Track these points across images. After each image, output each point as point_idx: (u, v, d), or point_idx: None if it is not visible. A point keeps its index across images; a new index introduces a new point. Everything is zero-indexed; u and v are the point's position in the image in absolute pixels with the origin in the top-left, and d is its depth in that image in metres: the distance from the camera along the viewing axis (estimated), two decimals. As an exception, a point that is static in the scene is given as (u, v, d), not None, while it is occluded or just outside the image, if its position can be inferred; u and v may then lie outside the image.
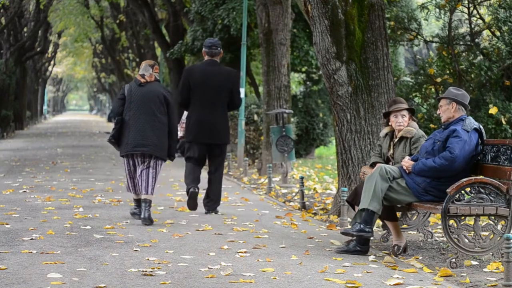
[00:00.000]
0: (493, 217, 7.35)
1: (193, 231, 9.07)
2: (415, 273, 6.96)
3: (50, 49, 59.04)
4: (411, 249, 8.36)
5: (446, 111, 7.87)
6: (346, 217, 9.93)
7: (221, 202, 11.04)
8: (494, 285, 6.54)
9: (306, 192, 13.46)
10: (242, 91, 18.15)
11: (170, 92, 10.29)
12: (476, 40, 12.62)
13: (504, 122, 11.62)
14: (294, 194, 13.80)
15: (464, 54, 12.55)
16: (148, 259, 7.21)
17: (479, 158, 7.79)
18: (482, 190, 7.32)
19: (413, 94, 12.84)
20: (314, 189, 14.66)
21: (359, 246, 7.84)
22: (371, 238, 7.92)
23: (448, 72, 12.45)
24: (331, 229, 9.60)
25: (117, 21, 42.68)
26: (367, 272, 6.90)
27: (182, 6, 28.39)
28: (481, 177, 7.51)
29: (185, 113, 11.07)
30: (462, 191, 7.34)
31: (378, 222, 8.89)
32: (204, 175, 11.03)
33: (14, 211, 10.51)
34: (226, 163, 18.76)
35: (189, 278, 6.45)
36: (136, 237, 8.59)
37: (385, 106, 10.13)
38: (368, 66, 10.30)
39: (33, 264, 6.87)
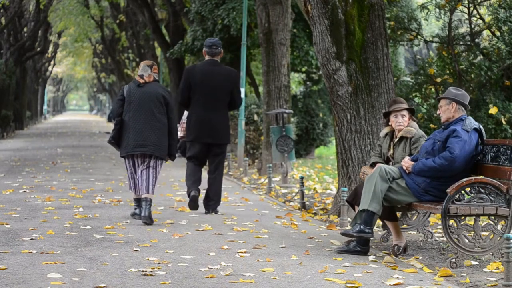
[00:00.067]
0: (493, 217, 7.35)
1: (193, 231, 9.07)
2: (415, 273, 6.96)
3: (50, 49, 59.05)
4: (411, 249, 8.36)
5: (446, 111, 7.87)
6: (346, 217, 9.93)
7: (221, 202, 11.04)
8: (494, 285, 6.54)
9: (306, 192, 13.46)
10: (242, 91, 18.14)
11: (170, 92, 10.31)
12: (476, 40, 12.62)
13: (504, 122, 11.62)
14: (294, 194, 13.80)
15: (464, 54, 12.55)
16: (148, 259, 7.20)
17: (479, 158, 7.79)
18: (482, 190, 7.32)
19: (413, 94, 12.84)
20: (314, 189, 14.66)
21: (359, 246, 7.84)
22: (371, 238, 7.91)
23: (448, 72, 12.45)
24: (331, 229, 9.60)
25: (117, 21, 42.68)
26: (367, 272, 6.90)
27: (182, 6, 28.39)
28: (481, 177, 7.51)
29: (186, 113, 11.08)
30: (462, 191, 7.34)
31: (378, 222, 8.89)
32: (204, 175, 11.04)
33: (14, 211, 10.51)
34: (226, 163, 18.76)
35: (189, 278, 6.45)
36: (136, 237, 8.59)
37: (385, 106, 10.13)
38: (368, 66, 10.30)
39: (33, 264, 6.87)
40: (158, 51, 38.77)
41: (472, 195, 7.32)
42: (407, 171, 7.88)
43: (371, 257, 7.65)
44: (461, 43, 12.63)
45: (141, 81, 9.99)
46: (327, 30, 10.22)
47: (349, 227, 8.46)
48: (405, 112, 8.44)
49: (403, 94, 12.54)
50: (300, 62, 23.65)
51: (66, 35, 52.61)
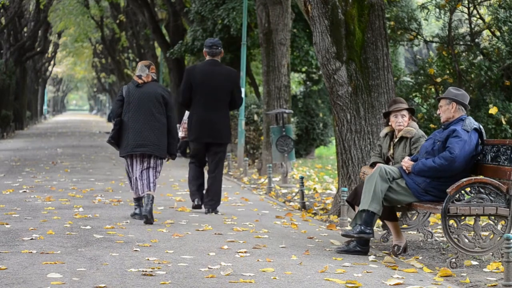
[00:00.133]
0: (493, 217, 7.35)
1: (193, 231, 9.07)
2: (415, 273, 6.96)
3: (50, 49, 59.05)
4: (411, 249, 8.36)
5: (446, 111, 7.86)
6: (346, 217, 9.93)
7: (221, 202, 11.04)
8: (494, 285, 6.54)
9: (306, 192, 13.46)
10: (242, 91, 18.14)
11: (169, 92, 10.34)
12: (476, 40, 12.62)
13: (504, 122, 11.62)
14: (294, 194, 13.80)
15: (464, 54, 12.55)
16: (148, 259, 7.20)
17: (479, 158, 7.78)
18: (482, 190, 7.32)
19: (413, 94, 12.84)
20: (314, 189, 14.66)
21: (359, 246, 7.84)
22: (371, 238, 7.91)
23: (448, 72, 12.45)
24: (331, 229, 9.60)
25: (117, 21, 42.68)
26: (367, 272, 6.90)
27: (182, 6, 28.38)
28: (481, 177, 7.50)
29: (187, 113, 11.11)
30: (462, 191, 7.34)
31: (378, 222, 8.89)
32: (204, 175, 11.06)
33: (14, 211, 10.51)
34: (226, 163, 18.76)
35: (189, 278, 6.45)
36: (136, 237, 8.59)
37: (385, 106, 10.13)
38: (368, 66, 10.30)
39: (33, 264, 6.87)
40: (158, 51, 38.76)
41: (472, 195, 7.32)
42: (407, 171, 7.88)
43: (371, 257, 7.65)
44: (461, 43, 12.62)
45: (140, 81, 10.02)
46: (327, 30, 10.22)
47: (349, 227, 8.46)
48: (405, 112, 8.44)
49: (403, 94, 12.54)
50: (300, 62, 23.64)
51: (66, 35, 52.61)
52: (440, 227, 9.16)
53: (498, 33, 12.20)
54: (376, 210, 7.75)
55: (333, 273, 6.78)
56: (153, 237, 8.53)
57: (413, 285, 6.37)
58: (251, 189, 14.71)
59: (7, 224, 9.29)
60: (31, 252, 7.44)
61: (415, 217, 8.79)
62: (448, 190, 7.30)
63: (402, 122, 8.41)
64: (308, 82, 26.93)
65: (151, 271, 6.63)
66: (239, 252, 7.68)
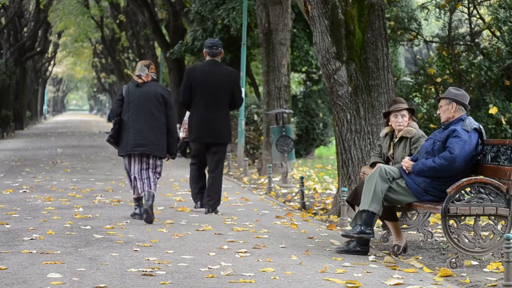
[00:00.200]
0: (493, 217, 7.35)
1: (193, 231, 9.07)
2: (415, 273, 6.96)
3: (50, 49, 59.06)
4: (411, 249, 8.36)
5: (446, 111, 7.86)
6: (346, 217, 9.93)
7: (221, 202, 11.05)
8: (494, 285, 6.54)
9: (306, 192, 13.46)
10: (242, 91, 18.14)
11: (169, 91, 10.36)
12: (476, 40, 12.62)
13: (504, 122, 11.62)
14: (294, 194, 13.80)
15: (464, 54, 12.55)
16: (148, 259, 7.21)
17: (479, 158, 7.78)
18: (482, 190, 7.32)
19: (413, 94, 12.84)
20: (314, 189, 14.66)
21: (359, 246, 7.84)
22: (371, 238, 7.91)
23: (448, 72, 12.45)
24: (331, 229, 9.60)
25: (117, 21, 42.69)
26: (367, 272, 6.90)
27: (182, 6, 28.39)
28: (481, 177, 7.50)
29: (188, 113, 11.12)
30: (462, 191, 7.34)
31: (378, 222, 8.89)
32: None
33: (14, 211, 10.51)
34: (226, 163, 18.76)
35: (189, 278, 6.45)
36: (136, 237, 8.59)
37: (385, 106, 10.13)
38: (368, 66, 10.30)
39: (33, 264, 6.87)
40: (158, 51, 38.76)
41: (472, 195, 7.32)
42: (407, 171, 7.88)
43: (371, 257, 7.65)
44: (461, 43, 12.62)
45: (140, 81, 10.05)
46: (327, 30, 10.22)
47: (349, 227, 8.46)
48: (405, 112, 8.44)
49: (403, 94, 12.54)
50: (300, 62, 23.64)
51: (66, 35, 52.61)
52: (440, 227, 9.16)
53: (498, 33, 12.20)
54: (376, 210, 7.75)
55: (333, 273, 6.78)
56: (153, 237, 8.53)
57: (413, 285, 6.37)
58: (251, 189, 14.71)
59: (7, 224, 9.29)
60: (31, 252, 7.44)
61: (415, 217, 8.79)
62: (448, 190, 7.30)
63: (402, 122, 8.41)
64: (308, 82, 26.93)
65: (151, 271, 6.63)
66: (239, 252, 7.68)
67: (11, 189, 13.51)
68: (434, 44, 13.26)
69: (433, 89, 12.58)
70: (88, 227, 9.23)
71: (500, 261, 7.18)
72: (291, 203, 12.49)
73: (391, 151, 8.49)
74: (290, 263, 7.18)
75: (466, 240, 7.28)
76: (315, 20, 10.28)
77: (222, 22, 22.50)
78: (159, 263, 7.06)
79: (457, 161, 7.57)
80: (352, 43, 10.23)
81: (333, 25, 10.21)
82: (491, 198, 7.31)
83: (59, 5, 41.64)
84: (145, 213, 9.74)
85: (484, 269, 7.22)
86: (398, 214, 8.43)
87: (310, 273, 6.77)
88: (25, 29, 43.64)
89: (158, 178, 10.15)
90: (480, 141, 7.74)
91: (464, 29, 12.97)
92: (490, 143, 7.72)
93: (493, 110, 11.53)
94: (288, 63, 17.42)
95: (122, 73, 49.35)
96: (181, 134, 11.28)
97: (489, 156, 7.65)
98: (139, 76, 10.07)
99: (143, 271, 6.65)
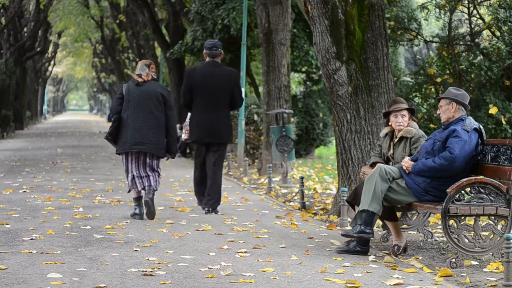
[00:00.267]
0: (493, 217, 7.35)
1: (193, 231, 9.07)
2: (415, 273, 6.96)
3: (50, 49, 59.07)
4: (411, 249, 8.36)
5: (446, 111, 7.86)
6: (346, 217, 9.93)
7: (221, 202, 11.05)
8: (494, 285, 6.54)
9: (306, 192, 13.46)
10: (242, 91, 18.15)
11: (169, 91, 10.40)
12: (476, 40, 12.62)
13: (504, 122, 11.62)
14: (294, 194, 13.80)
15: (464, 54, 12.55)
16: (148, 259, 7.20)
17: (479, 158, 7.78)
18: (482, 190, 7.32)
19: (413, 94, 12.84)
20: (314, 189, 14.66)
21: (359, 246, 7.84)
22: (371, 238, 7.91)
23: (448, 72, 12.45)
24: (331, 229, 9.60)
25: (117, 21, 42.69)
26: (367, 272, 6.90)
27: (182, 6, 28.39)
28: (481, 177, 7.50)
29: (189, 114, 11.17)
30: (462, 191, 7.34)
31: (378, 222, 8.89)
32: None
33: (14, 211, 10.51)
34: (226, 163, 18.76)
35: (189, 278, 6.45)
36: (136, 237, 8.59)
37: (385, 106, 10.13)
38: (368, 66, 10.30)
39: (33, 264, 6.87)
40: (158, 51, 38.77)
41: (472, 195, 7.32)
42: (407, 171, 7.88)
43: (371, 257, 7.65)
44: (461, 43, 12.62)
45: (140, 80, 10.09)
46: (327, 30, 10.22)
47: (349, 227, 8.46)
48: (405, 112, 8.44)
49: (403, 94, 12.54)
50: (300, 62, 23.64)
51: (66, 35, 52.62)
52: (440, 227, 9.16)
53: (498, 33, 12.20)
54: (376, 210, 7.75)
55: (333, 273, 6.78)
56: (153, 237, 8.53)
57: (413, 285, 6.37)
58: (251, 189, 14.71)
59: (7, 224, 9.29)
60: (31, 252, 7.44)
61: (415, 217, 8.79)
62: (448, 190, 7.30)
63: (402, 122, 8.40)
64: (308, 82, 26.93)
65: (151, 271, 6.63)
66: (239, 252, 7.67)
67: (11, 189, 13.51)
68: (434, 44, 13.26)
69: (433, 89, 12.58)
70: (88, 227, 9.23)
71: (500, 261, 7.18)
72: (291, 203, 12.49)
73: (391, 151, 8.49)
74: (290, 263, 7.18)
75: (466, 240, 7.28)
76: (315, 20, 10.28)
77: (222, 22, 22.50)
78: (159, 263, 7.06)
79: (457, 161, 7.56)
80: (352, 43, 10.23)
81: (333, 25, 10.21)
82: (491, 198, 7.31)
83: (59, 5, 41.64)
84: (146, 205, 9.77)
85: (484, 269, 7.22)
86: (398, 214, 8.43)
87: (310, 273, 6.77)
88: (25, 29, 43.64)
89: (159, 177, 10.18)
90: (480, 141, 7.74)
91: (464, 29, 12.97)
92: (490, 143, 7.72)
93: (493, 110, 11.53)
94: (288, 63, 17.42)
95: (122, 73, 49.36)
96: (184, 136, 11.32)
97: (489, 156, 7.65)
98: (140, 75, 10.11)
99: (143, 271, 6.65)
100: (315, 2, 10.25)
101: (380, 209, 7.78)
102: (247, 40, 20.69)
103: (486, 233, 7.36)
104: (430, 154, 7.78)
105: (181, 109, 24.68)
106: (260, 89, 27.23)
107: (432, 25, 30.91)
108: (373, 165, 8.48)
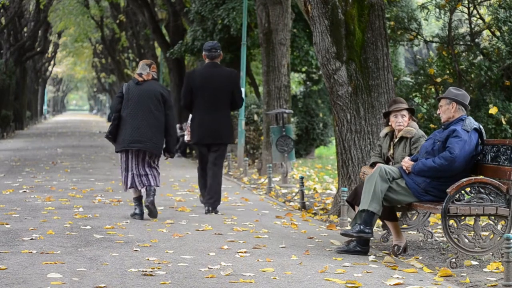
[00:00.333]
0: (493, 217, 7.35)
1: (193, 231, 9.07)
2: (415, 273, 6.96)
3: (50, 49, 59.07)
4: (411, 249, 8.36)
5: (446, 111, 7.86)
6: (346, 217, 9.93)
7: (221, 202, 11.05)
8: (494, 285, 6.54)
9: (306, 192, 13.46)
10: (242, 91, 18.15)
11: (169, 91, 10.43)
12: (476, 40, 12.62)
13: (504, 122, 11.62)
14: (294, 194, 13.80)
15: (464, 54, 12.55)
16: (148, 259, 7.20)
17: (479, 158, 7.78)
18: (482, 190, 7.32)
19: (413, 94, 12.84)
20: (314, 189, 14.66)
21: (359, 246, 7.84)
22: (371, 238, 7.91)
23: (448, 72, 12.45)
24: (331, 229, 9.60)
25: (117, 21, 42.69)
26: (367, 272, 6.90)
27: (182, 6, 28.39)
28: (481, 177, 7.50)
29: (191, 116, 11.20)
30: (462, 191, 7.34)
31: (378, 222, 8.89)
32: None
33: (14, 211, 10.51)
34: (226, 163, 18.76)
35: (189, 278, 6.45)
36: (136, 237, 8.59)
37: (385, 106, 10.13)
38: (368, 66, 10.30)
39: (33, 264, 6.87)
40: (158, 51, 38.77)
41: (472, 195, 7.32)
42: (407, 171, 7.88)
43: (371, 257, 7.65)
44: (461, 43, 12.62)
45: (140, 79, 10.14)
46: (327, 30, 10.22)
47: (349, 227, 8.46)
48: (405, 112, 8.44)
49: (403, 94, 12.54)
50: (300, 62, 23.65)
51: (66, 35, 52.62)
52: (440, 227, 9.16)
53: (498, 33, 12.20)
54: (375, 210, 7.75)
55: (333, 273, 6.78)
56: (153, 237, 8.53)
57: (413, 285, 6.37)
58: (251, 189, 14.71)
59: (7, 224, 9.29)
60: (31, 252, 7.44)
61: (415, 217, 8.79)
62: (448, 190, 7.30)
63: (402, 122, 8.40)
64: (308, 82, 26.93)
65: (151, 271, 6.63)
66: (239, 252, 7.67)
67: (11, 189, 13.51)
68: (434, 44, 13.26)
69: (433, 89, 12.58)
70: (88, 227, 9.23)
71: (500, 261, 7.18)
72: (291, 203, 12.49)
73: (391, 151, 8.49)
74: (290, 263, 7.18)
75: (466, 240, 7.28)
76: (315, 20, 10.28)
77: (222, 22, 22.49)
78: (159, 263, 7.06)
79: (457, 161, 7.56)
80: (352, 43, 10.23)
81: (333, 25, 10.21)
82: (491, 198, 7.31)
83: (59, 5, 41.65)
84: (147, 208, 9.86)
85: (484, 269, 7.22)
86: (398, 214, 8.43)
87: (310, 273, 6.77)
88: (25, 29, 43.64)
89: (158, 175, 10.20)
90: (480, 141, 7.74)
91: (464, 29, 12.97)
92: (490, 143, 7.72)
93: (493, 110, 11.53)
94: (288, 63, 17.42)
95: (122, 73, 49.36)
96: (186, 137, 11.36)
97: (489, 156, 7.65)
98: (140, 75, 10.16)
99: (143, 271, 6.65)
100: (315, 2, 10.25)
101: (380, 209, 7.78)
102: (247, 40, 20.70)
103: (486, 233, 7.36)
104: (430, 154, 7.78)
105: (181, 109, 24.70)
106: (260, 89, 27.23)
107: (432, 25, 30.91)
108: (373, 165, 8.49)
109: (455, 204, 7.27)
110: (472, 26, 12.54)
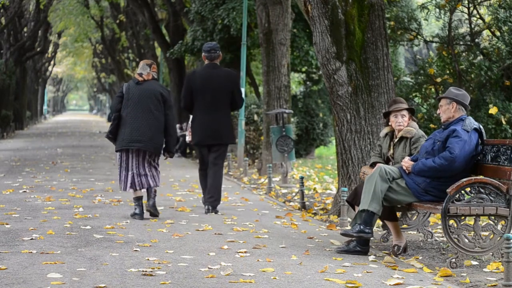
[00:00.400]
0: (493, 217, 7.35)
1: (193, 231, 9.07)
2: (415, 273, 6.96)
3: (50, 49, 59.07)
4: (411, 249, 8.36)
5: (446, 111, 7.86)
6: (346, 217, 9.93)
7: (221, 202, 11.05)
8: (494, 285, 6.54)
9: (306, 192, 13.46)
10: (242, 91, 18.15)
11: (169, 91, 10.46)
12: (476, 40, 12.62)
13: (504, 122, 11.62)
14: (294, 194, 13.80)
15: (464, 54, 12.55)
16: (148, 259, 7.21)
17: (479, 158, 7.78)
18: (482, 190, 7.32)
19: (413, 94, 12.84)
20: (314, 189, 14.66)
21: (359, 246, 7.84)
22: (371, 238, 7.91)
23: (448, 72, 12.45)
24: (331, 229, 9.60)
25: (117, 21, 42.69)
26: (367, 272, 6.90)
27: (182, 6, 28.39)
28: (481, 177, 7.50)
29: (191, 117, 11.22)
30: (462, 191, 7.34)
31: (378, 222, 8.89)
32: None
33: (14, 211, 10.51)
34: (226, 163, 18.76)
35: (189, 278, 6.45)
36: (136, 237, 8.59)
37: (385, 106, 10.13)
38: (368, 66, 10.30)
39: (33, 264, 6.87)
40: (158, 51, 38.77)
41: (472, 195, 7.32)
42: (407, 171, 7.88)
43: (371, 257, 7.65)
44: (461, 43, 12.62)
45: (140, 79, 10.17)
46: (327, 30, 10.22)
47: (349, 227, 8.46)
48: (405, 112, 8.44)
49: (403, 94, 12.54)
50: (300, 62, 23.64)
51: (66, 35, 52.63)
52: (440, 227, 9.16)
53: (498, 33, 12.20)
54: (375, 210, 7.75)
55: (333, 273, 6.78)
56: (153, 237, 8.53)
57: (413, 285, 6.37)
58: (251, 189, 14.71)
59: (7, 224, 9.29)
60: (31, 252, 7.44)
61: (415, 217, 8.79)
62: (448, 190, 7.30)
63: (402, 122, 8.40)
64: (308, 82, 26.92)
65: (151, 271, 6.63)
66: (239, 252, 7.67)
67: (11, 189, 13.51)
68: (434, 44, 13.26)
69: (433, 89, 12.58)
70: (88, 227, 9.23)
71: (500, 261, 7.18)
72: (291, 203, 12.49)
73: (391, 151, 8.49)
74: (290, 263, 7.18)
75: (466, 240, 7.28)
76: (315, 20, 10.28)
77: (222, 22, 22.49)
78: (159, 263, 7.06)
79: (457, 161, 7.56)
80: (352, 43, 10.23)
81: (333, 25, 10.21)
82: (491, 198, 7.31)
83: (59, 5, 41.65)
84: (149, 212, 9.91)
85: (484, 269, 7.22)
86: (398, 214, 8.43)
87: (310, 273, 6.77)
88: (25, 29, 43.64)
89: (158, 174, 10.22)
90: (480, 141, 7.73)
91: (464, 29, 12.97)
92: (490, 143, 7.72)
93: (493, 110, 11.53)
94: (288, 63, 17.42)
95: (122, 73, 49.36)
96: (187, 138, 11.39)
97: (489, 156, 7.65)
98: (140, 74, 10.19)
99: (143, 271, 6.65)
100: (315, 2, 10.25)
101: (380, 209, 7.78)
102: (247, 40, 20.70)
103: (486, 233, 7.36)
104: (430, 154, 7.78)
105: (181, 109, 24.67)
106: (260, 89, 27.23)
107: (432, 25, 30.91)
108: (373, 165, 8.49)
109: (455, 204, 7.27)
110: (472, 26, 12.54)
